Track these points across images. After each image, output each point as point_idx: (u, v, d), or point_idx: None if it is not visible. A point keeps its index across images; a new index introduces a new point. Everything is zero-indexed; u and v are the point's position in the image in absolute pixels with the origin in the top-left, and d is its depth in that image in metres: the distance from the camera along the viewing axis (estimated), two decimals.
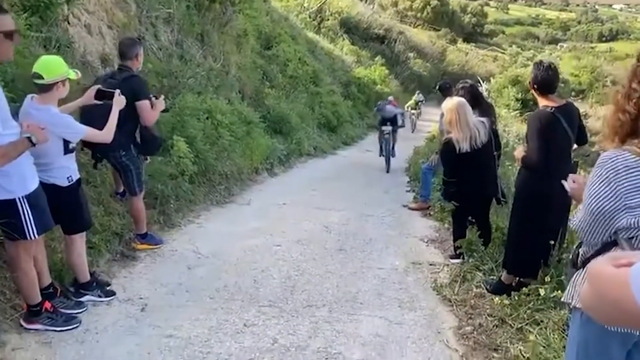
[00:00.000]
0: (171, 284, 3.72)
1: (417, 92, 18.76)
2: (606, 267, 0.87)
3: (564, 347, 2.36)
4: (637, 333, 1.65)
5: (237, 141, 7.12)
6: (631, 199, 1.58)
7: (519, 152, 3.60)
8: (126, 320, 3.15)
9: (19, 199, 2.62)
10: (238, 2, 10.03)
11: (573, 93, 27.26)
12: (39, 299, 2.86)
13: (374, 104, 13.59)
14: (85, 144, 3.63)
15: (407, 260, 4.61)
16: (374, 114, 11.19)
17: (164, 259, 4.17)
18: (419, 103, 17.35)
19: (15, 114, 2.72)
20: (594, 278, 0.91)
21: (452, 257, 4.57)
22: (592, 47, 63.75)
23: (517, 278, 3.68)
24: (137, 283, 3.69)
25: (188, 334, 3.02)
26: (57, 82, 2.87)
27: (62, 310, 3.03)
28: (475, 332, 3.27)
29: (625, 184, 1.58)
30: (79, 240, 3.20)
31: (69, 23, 5.32)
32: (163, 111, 4.24)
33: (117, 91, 3.46)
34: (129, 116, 3.75)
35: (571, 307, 1.85)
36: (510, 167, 6.66)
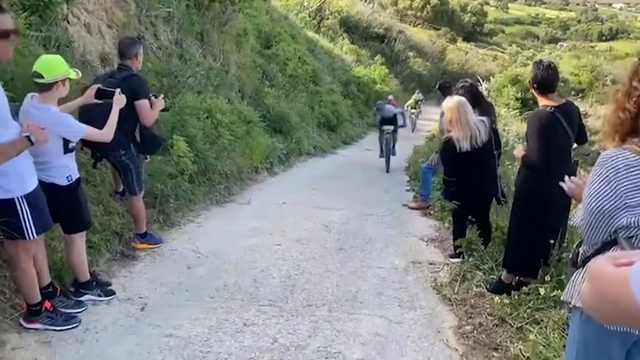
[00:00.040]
0: (171, 284, 3.71)
1: (417, 91, 18.75)
2: (606, 267, 0.87)
3: (564, 346, 2.36)
4: (637, 332, 1.66)
5: (236, 140, 7.12)
6: (631, 198, 1.58)
7: (519, 151, 3.59)
8: (126, 320, 3.15)
9: (18, 198, 2.61)
10: (238, 1, 10.02)
11: (573, 92, 27.22)
12: (39, 298, 2.85)
13: (373, 103, 13.60)
14: (84, 143, 3.63)
15: (407, 260, 4.61)
16: (373, 113, 11.18)
17: (164, 259, 4.17)
18: (419, 102, 17.32)
19: (15, 114, 2.72)
20: (594, 277, 0.91)
21: (452, 256, 4.57)
22: (591, 46, 63.71)
23: (517, 277, 3.68)
24: (137, 282, 3.69)
25: (188, 333, 3.02)
26: (57, 82, 2.87)
27: (62, 310, 3.03)
28: (475, 332, 3.27)
29: (626, 183, 1.58)
30: (79, 240, 3.19)
31: (68, 22, 5.31)
32: (163, 110, 4.24)
33: (118, 90, 3.46)
34: (129, 115, 3.75)
35: (571, 306, 1.85)
36: (510, 167, 6.66)
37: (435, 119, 9.68)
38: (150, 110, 3.95)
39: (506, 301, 3.50)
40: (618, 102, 1.65)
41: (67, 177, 3.03)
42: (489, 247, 4.39)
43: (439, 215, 6.00)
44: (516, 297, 3.49)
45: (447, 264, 4.46)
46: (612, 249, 1.66)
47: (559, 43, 71.45)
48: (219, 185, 6.26)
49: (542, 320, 3.18)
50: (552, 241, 3.49)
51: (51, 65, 2.87)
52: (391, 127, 9.54)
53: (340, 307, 3.55)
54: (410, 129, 15.39)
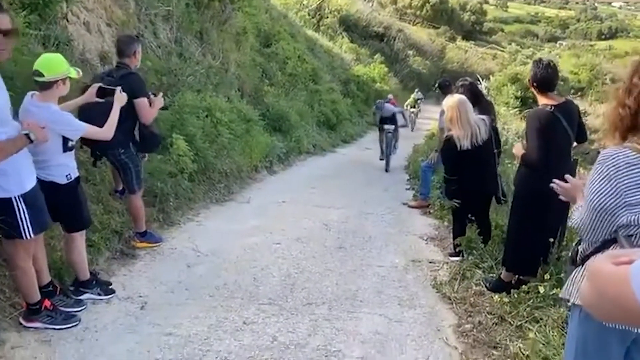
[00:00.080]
0: (171, 282, 3.71)
1: (416, 90, 18.72)
2: (606, 265, 0.87)
3: (563, 344, 2.37)
4: (636, 330, 1.66)
5: (236, 139, 7.12)
6: (631, 196, 1.59)
7: (518, 149, 3.59)
8: (126, 319, 3.15)
9: (15, 198, 2.60)
10: (237, 0, 10.01)
11: (572, 91, 27.19)
12: (39, 297, 2.85)
13: (373, 101, 13.60)
14: (84, 141, 3.62)
15: (407, 258, 4.61)
16: (373, 113, 11.18)
17: (164, 257, 4.17)
18: (418, 101, 17.31)
19: (14, 112, 2.72)
20: (594, 276, 0.91)
21: (451, 255, 4.57)
22: (591, 45, 63.64)
23: (517, 276, 3.69)
24: (137, 281, 3.69)
25: (188, 332, 3.02)
26: (58, 80, 2.87)
27: (62, 309, 3.03)
28: (474, 330, 3.27)
29: (626, 181, 1.59)
30: (79, 239, 3.19)
31: (67, 21, 5.30)
32: (162, 109, 4.24)
33: (118, 88, 3.46)
34: (128, 114, 3.74)
35: (570, 304, 1.85)
36: (509, 165, 6.66)
37: (435, 118, 9.69)
38: (149, 109, 3.95)
39: (506, 299, 3.51)
40: (618, 98, 1.66)
41: (67, 176, 3.02)
42: (488, 245, 4.39)
43: (438, 213, 6.01)
44: (516, 296, 3.50)
45: (447, 263, 4.46)
46: (612, 247, 1.66)
47: (559, 42, 71.38)
48: (218, 184, 6.26)
49: (541, 319, 3.18)
50: (551, 240, 3.49)
51: (52, 64, 2.87)
52: (392, 127, 9.53)
53: (340, 306, 3.55)
54: (410, 128, 15.40)
